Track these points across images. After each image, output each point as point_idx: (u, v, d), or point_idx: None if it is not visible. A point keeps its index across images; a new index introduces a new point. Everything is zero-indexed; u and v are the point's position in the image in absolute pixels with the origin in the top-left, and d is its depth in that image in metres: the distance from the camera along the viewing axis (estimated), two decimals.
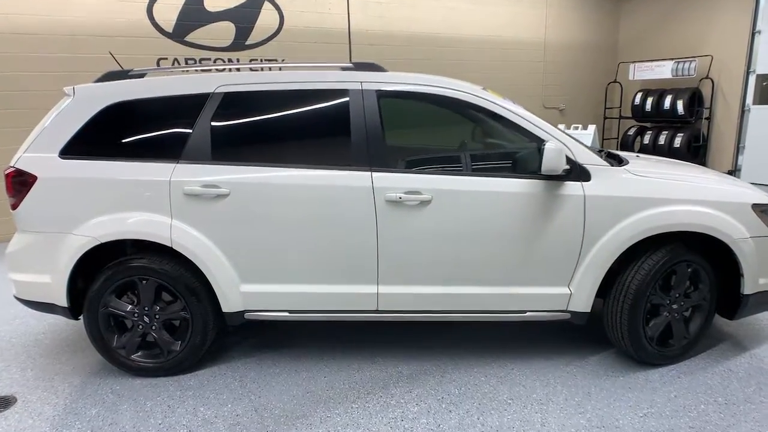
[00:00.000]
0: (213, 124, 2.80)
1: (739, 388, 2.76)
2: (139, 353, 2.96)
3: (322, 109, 2.87)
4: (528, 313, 2.91)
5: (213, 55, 6.46)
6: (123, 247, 2.94)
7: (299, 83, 2.84)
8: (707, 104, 8.50)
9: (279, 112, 2.88)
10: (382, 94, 2.83)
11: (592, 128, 8.33)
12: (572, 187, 2.76)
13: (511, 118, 2.81)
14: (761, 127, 7.95)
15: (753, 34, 7.92)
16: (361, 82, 2.84)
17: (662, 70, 8.78)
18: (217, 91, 2.83)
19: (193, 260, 2.78)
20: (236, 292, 2.85)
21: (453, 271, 2.82)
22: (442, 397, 2.71)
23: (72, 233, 2.77)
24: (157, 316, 2.90)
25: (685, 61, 8.52)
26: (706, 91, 8.48)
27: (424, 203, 2.73)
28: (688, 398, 2.67)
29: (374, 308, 2.88)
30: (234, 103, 2.84)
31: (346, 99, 2.81)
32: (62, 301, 2.85)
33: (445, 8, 7.99)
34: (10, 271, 2.91)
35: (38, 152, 2.80)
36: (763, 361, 3.03)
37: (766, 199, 2.94)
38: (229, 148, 2.83)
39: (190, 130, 2.79)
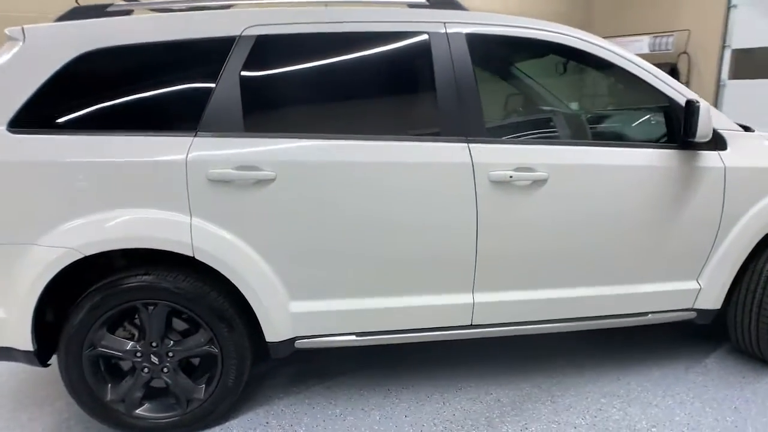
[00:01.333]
0: (244, 78, 1.98)
1: None
2: (144, 406, 2.12)
3: (394, 59, 2.12)
4: (650, 316, 2.36)
5: None
6: (109, 262, 2.08)
7: (363, 23, 2.07)
8: (684, 79, 8.45)
9: (337, 63, 2.10)
10: (473, 39, 2.12)
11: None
12: (710, 158, 2.22)
13: (642, 76, 2.20)
14: (736, 101, 7.98)
15: (729, 8, 7.88)
16: (444, 23, 2.11)
17: (640, 45, 8.62)
18: (245, 33, 2.00)
19: (225, 274, 1.97)
20: (284, 313, 2.07)
21: (571, 269, 2.20)
22: None
23: (37, 244, 1.88)
24: (170, 354, 2.06)
25: (662, 36, 8.41)
26: (683, 67, 8.41)
27: (539, 183, 2.08)
28: None
29: (468, 323, 2.22)
30: (272, 50, 2.02)
31: (427, 45, 2.09)
32: (25, 343, 1.95)
33: None
34: None
35: None
36: None
37: None
38: (271, 113, 2.03)
39: (213, 85, 1.96)
